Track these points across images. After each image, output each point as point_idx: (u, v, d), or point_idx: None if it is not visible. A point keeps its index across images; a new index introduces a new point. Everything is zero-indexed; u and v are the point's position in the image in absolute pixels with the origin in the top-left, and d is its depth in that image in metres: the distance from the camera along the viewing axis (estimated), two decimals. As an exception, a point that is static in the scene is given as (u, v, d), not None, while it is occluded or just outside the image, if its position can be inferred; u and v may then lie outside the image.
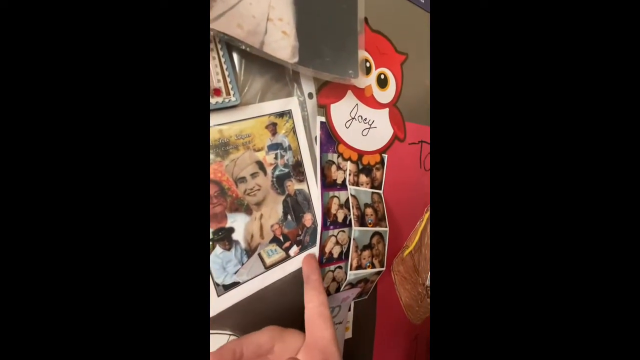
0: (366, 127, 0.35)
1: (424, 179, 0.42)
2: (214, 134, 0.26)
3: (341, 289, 0.33)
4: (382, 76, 0.36)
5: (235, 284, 0.27)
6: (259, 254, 0.28)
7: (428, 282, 0.44)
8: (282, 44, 0.25)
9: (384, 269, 0.35)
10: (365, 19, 0.33)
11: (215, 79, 0.25)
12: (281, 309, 0.30)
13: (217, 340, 0.26)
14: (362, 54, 0.31)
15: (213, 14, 0.22)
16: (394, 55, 0.36)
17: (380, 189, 0.37)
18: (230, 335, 0.27)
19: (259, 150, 0.28)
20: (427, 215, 0.43)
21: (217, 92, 0.25)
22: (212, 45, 0.24)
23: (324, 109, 0.31)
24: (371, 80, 0.34)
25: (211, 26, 0.22)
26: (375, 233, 0.35)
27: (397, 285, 0.40)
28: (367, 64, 0.34)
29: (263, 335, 0.25)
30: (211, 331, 0.26)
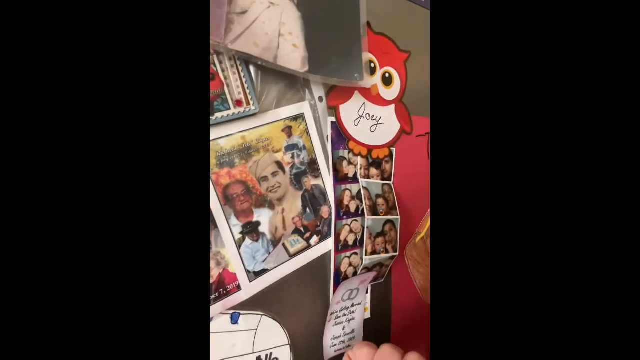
0: (374, 123, 0.37)
1: (432, 168, 0.44)
2: (237, 140, 0.29)
3: (358, 273, 0.36)
4: (387, 75, 0.38)
5: (264, 271, 0.31)
6: (284, 244, 0.32)
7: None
8: (293, 56, 0.28)
9: (397, 253, 0.38)
10: (368, 23, 0.35)
11: (237, 91, 0.28)
12: (305, 292, 0.34)
13: (250, 320, 0.30)
14: (367, 56, 0.34)
15: (231, 36, 0.26)
16: (397, 53, 0.39)
17: (390, 180, 0.39)
18: (262, 315, 0.31)
19: (277, 151, 0.31)
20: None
21: (239, 103, 0.28)
22: (232, 63, 0.28)
23: (333, 110, 0.34)
24: (376, 79, 0.37)
25: (230, 47, 0.26)
26: (387, 221, 0.37)
27: (411, 269, 0.43)
28: (372, 65, 0.36)
29: None
30: (245, 312, 0.30)
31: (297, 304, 0.33)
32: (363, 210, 0.36)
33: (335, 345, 0.36)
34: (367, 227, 0.35)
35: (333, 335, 0.36)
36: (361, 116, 0.36)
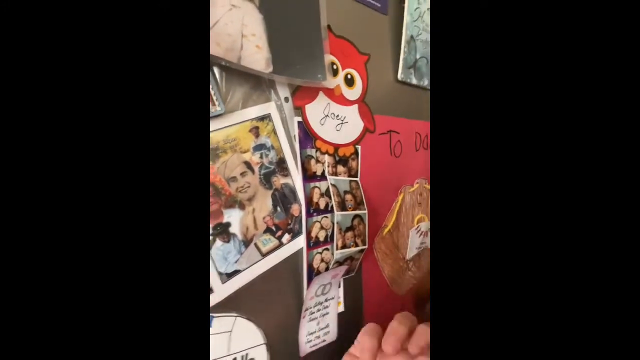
0: (339, 122, 0.39)
1: (395, 164, 0.47)
2: (204, 141, 0.29)
3: (330, 268, 0.37)
4: (349, 76, 0.40)
5: (236, 272, 0.30)
6: (255, 244, 0.32)
7: (408, 257, 0.49)
8: (256, 57, 0.29)
9: (366, 246, 0.40)
10: (329, 26, 0.36)
11: (201, 92, 0.28)
12: (279, 290, 0.34)
13: (224, 322, 0.30)
14: (329, 57, 0.35)
15: (194, 36, 0.25)
16: (358, 56, 0.41)
17: (357, 177, 0.41)
18: (236, 316, 0.31)
19: (245, 152, 0.31)
20: (401, 196, 0.48)
21: (204, 104, 0.28)
22: (195, 63, 0.27)
23: (299, 110, 0.35)
24: (339, 80, 0.38)
25: (193, 47, 0.25)
26: (356, 216, 0.39)
27: (379, 261, 0.45)
28: (334, 67, 0.38)
29: None
30: (218, 314, 0.29)
31: (271, 303, 0.33)
32: (332, 206, 0.37)
33: (311, 340, 0.37)
34: (337, 223, 0.37)
35: (308, 331, 0.36)
36: (326, 116, 0.38)
